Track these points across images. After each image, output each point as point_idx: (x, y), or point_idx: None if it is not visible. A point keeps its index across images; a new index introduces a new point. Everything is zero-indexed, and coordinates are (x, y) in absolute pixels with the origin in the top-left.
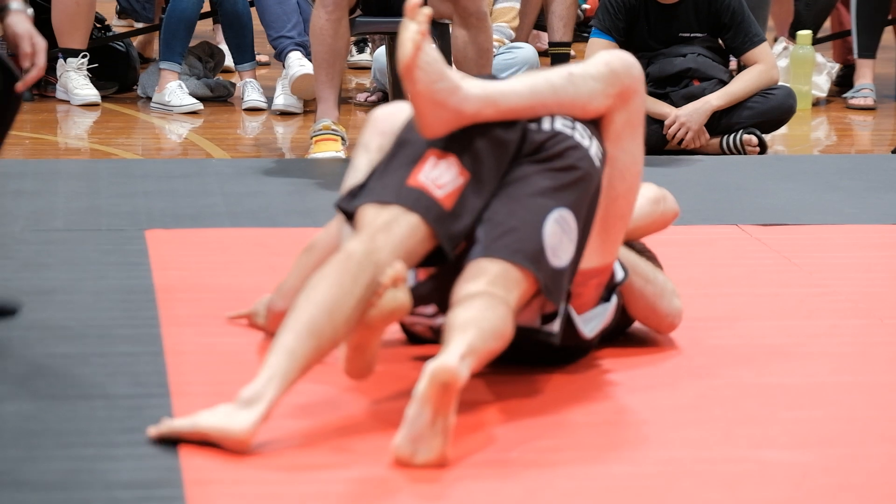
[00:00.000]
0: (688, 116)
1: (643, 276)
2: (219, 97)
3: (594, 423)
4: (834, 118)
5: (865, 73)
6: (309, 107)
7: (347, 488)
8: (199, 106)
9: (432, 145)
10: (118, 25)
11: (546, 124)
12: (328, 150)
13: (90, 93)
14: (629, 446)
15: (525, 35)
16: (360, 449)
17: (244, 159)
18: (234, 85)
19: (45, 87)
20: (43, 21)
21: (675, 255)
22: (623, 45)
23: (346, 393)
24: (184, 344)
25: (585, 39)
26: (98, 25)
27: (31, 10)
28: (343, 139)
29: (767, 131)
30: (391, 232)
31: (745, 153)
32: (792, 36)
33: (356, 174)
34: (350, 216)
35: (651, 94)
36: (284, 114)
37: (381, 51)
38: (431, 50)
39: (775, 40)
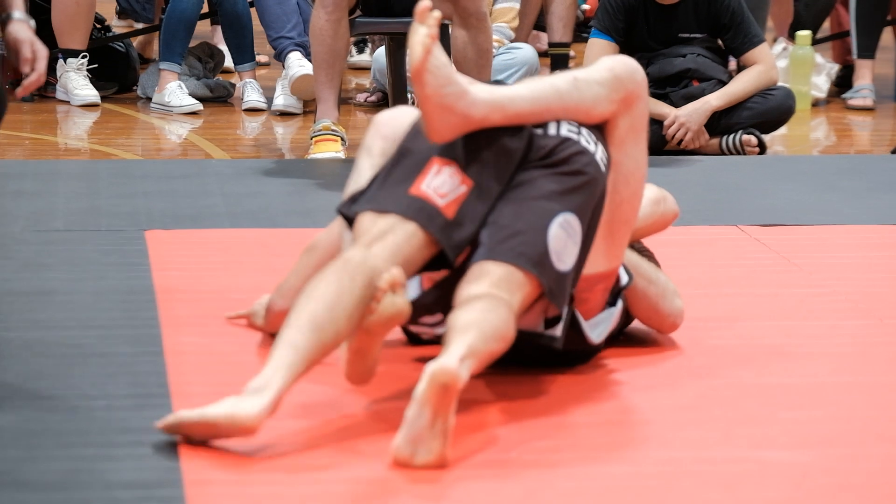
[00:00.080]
0: (687, 117)
1: (645, 276)
2: (218, 98)
3: (594, 423)
4: (833, 119)
5: (864, 74)
6: (309, 107)
7: (347, 488)
8: (199, 106)
9: (435, 153)
10: (118, 26)
11: (552, 129)
12: (328, 150)
13: (90, 93)
14: (629, 446)
15: (525, 35)
16: (360, 449)
17: (244, 160)
18: (233, 85)
19: (45, 87)
20: (43, 21)
21: (674, 256)
22: (623, 45)
23: (347, 393)
24: (183, 344)
25: (585, 40)
26: (98, 26)
27: (33, 22)
28: (343, 139)
29: (767, 132)
30: (386, 241)
31: (744, 153)
32: (791, 36)
33: (359, 179)
34: (350, 221)
35: (651, 94)
36: (284, 114)
37: (381, 51)
38: (441, 54)
39: (774, 41)
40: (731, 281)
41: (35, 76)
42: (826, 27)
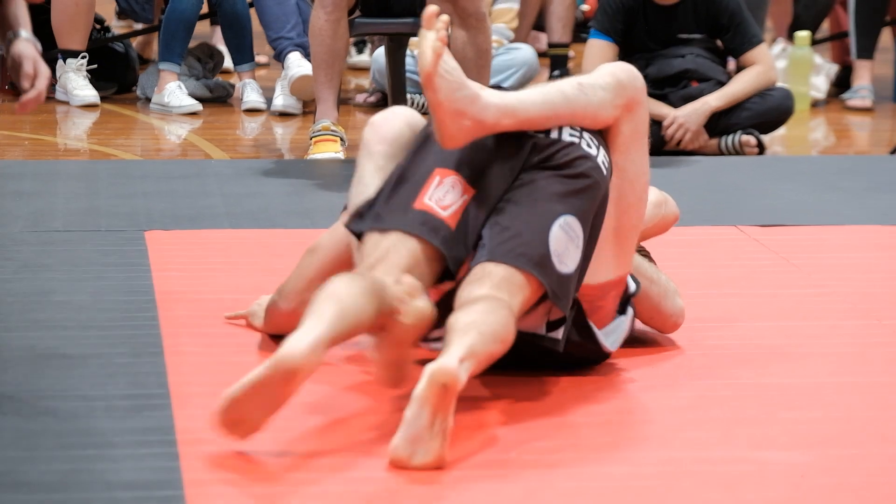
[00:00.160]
0: (686, 117)
1: (647, 277)
2: (218, 98)
3: (594, 423)
4: (832, 119)
5: (863, 75)
6: (308, 108)
7: (347, 489)
8: (199, 107)
9: (438, 164)
10: (117, 26)
11: (554, 133)
12: (327, 150)
13: (89, 94)
14: (629, 446)
15: (524, 36)
16: (360, 449)
17: (243, 160)
18: (233, 86)
19: None
20: (42, 22)
21: (674, 256)
22: (622, 46)
23: (346, 394)
24: (183, 345)
25: (584, 40)
26: (97, 26)
27: (39, 45)
28: (342, 140)
29: (765, 132)
30: (389, 261)
31: (743, 154)
32: (790, 37)
33: (363, 184)
34: (358, 236)
35: (650, 94)
36: (283, 115)
37: (381, 52)
38: (450, 59)
39: (773, 41)
40: (730, 281)
41: (34, 93)
42: (825, 28)
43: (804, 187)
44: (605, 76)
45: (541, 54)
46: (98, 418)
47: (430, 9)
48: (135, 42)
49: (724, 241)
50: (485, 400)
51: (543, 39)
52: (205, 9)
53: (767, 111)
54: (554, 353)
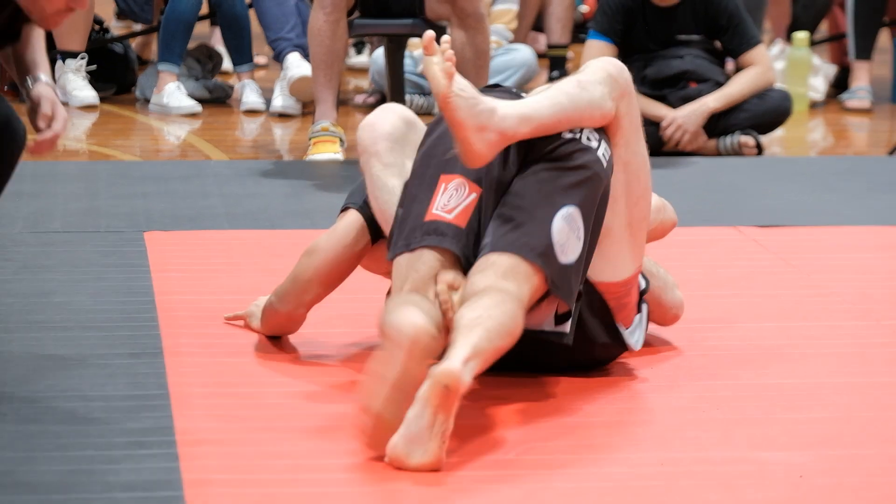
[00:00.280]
0: (685, 118)
1: (647, 270)
2: (217, 99)
3: (593, 423)
4: (830, 120)
5: (862, 76)
6: (307, 108)
7: (347, 489)
8: (198, 108)
9: (441, 171)
10: (117, 27)
11: None
12: (326, 151)
13: (89, 94)
14: (628, 447)
15: (523, 37)
16: (360, 450)
17: (242, 161)
18: (232, 87)
19: None
20: None
21: (673, 257)
22: (621, 46)
23: (346, 394)
24: (182, 345)
25: (583, 41)
26: (97, 27)
27: (59, 92)
28: (341, 140)
29: (764, 133)
30: (413, 279)
31: (741, 155)
32: (788, 38)
33: (390, 194)
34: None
35: (648, 95)
36: (283, 115)
37: (380, 52)
38: (460, 77)
39: (772, 42)
40: (729, 282)
41: (50, 134)
42: (823, 29)
43: (803, 188)
44: (598, 71)
45: (540, 55)
46: (97, 419)
47: (427, 35)
48: (134, 43)
49: (722, 242)
50: (485, 401)
51: (542, 40)
52: (204, 9)
53: (766, 112)
54: (573, 355)
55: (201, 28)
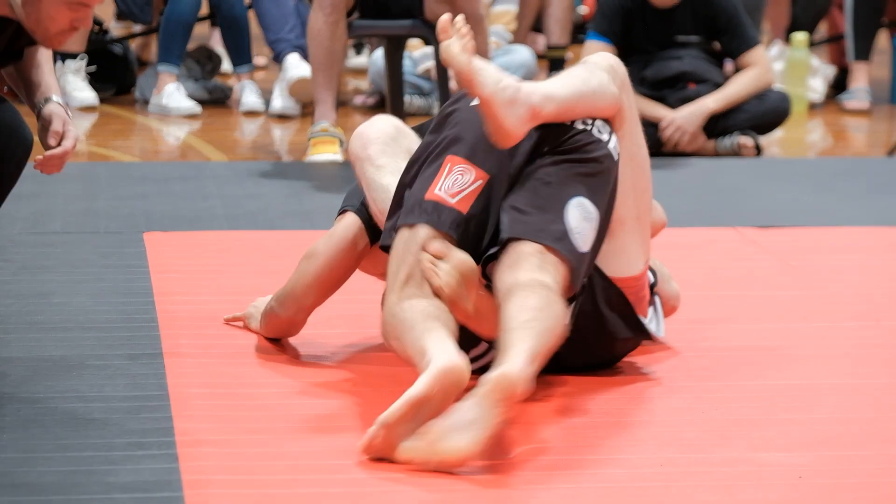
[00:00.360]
0: (684, 119)
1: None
2: (216, 100)
3: (593, 424)
4: (829, 121)
5: (860, 77)
6: (306, 109)
7: (347, 489)
8: (197, 108)
9: (449, 152)
10: (116, 28)
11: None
12: (326, 152)
13: (88, 95)
14: (627, 448)
15: (522, 38)
16: (360, 451)
17: (242, 162)
18: (231, 88)
19: None
20: None
21: (672, 257)
22: (620, 48)
23: (346, 395)
24: (182, 346)
25: (582, 42)
26: (96, 28)
27: (70, 113)
28: (341, 141)
29: (763, 134)
30: (408, 259)
31: (740, 156)
32: (787, 39)
33: (385, 192)
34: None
35: (647, 96)
36: (282, 116)
37: (379, 53)
38: (479, 57)
39: (770, 43)
40: (728, 283)
41: (60, 150)
42: (822, 30)
43: (801, 189)
44: (599, 62)
45: (539, 56)
46: (97, 420)
47: (443, 19)
48: (133, 44)
49: (721, 243)
50: None
51: (541, 41)
52: (204, 10)
53: (764, 113)
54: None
55: (201, 29)
